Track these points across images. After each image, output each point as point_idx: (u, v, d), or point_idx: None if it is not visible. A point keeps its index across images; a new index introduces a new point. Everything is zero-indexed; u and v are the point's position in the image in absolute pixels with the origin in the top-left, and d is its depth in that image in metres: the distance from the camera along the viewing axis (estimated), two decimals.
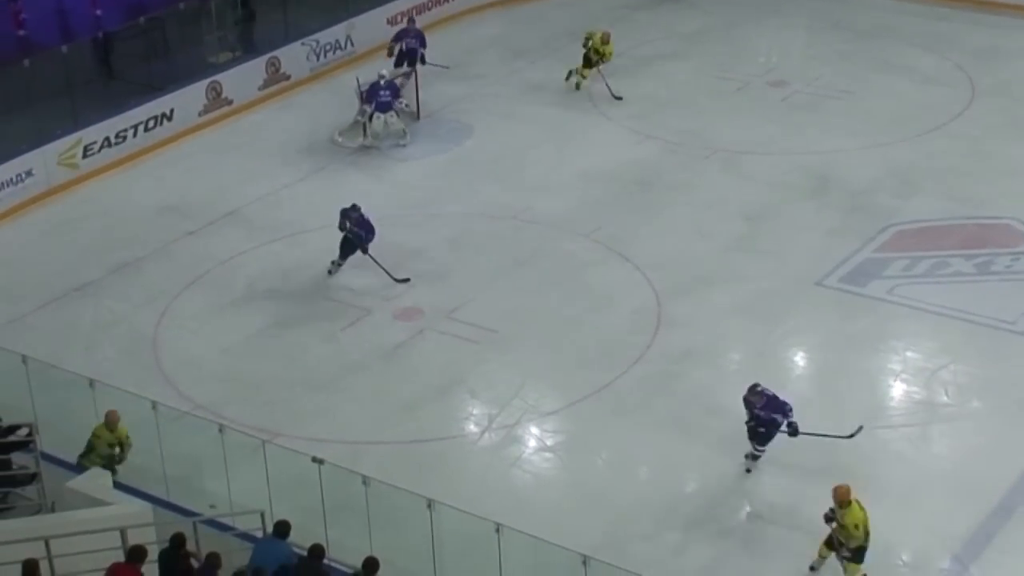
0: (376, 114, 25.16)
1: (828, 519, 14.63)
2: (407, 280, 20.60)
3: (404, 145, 25.37)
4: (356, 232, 20.56)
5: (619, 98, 26.55)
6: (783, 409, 16.38)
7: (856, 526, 14.38)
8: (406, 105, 25.87)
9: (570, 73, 26.89)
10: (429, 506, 14.31)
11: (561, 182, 23.83)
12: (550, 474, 17.16)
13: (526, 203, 23.10)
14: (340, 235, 20.73)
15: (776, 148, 24.77)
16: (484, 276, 21.07)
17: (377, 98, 25.09)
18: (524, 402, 18.16)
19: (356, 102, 25.51)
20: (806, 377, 19.27)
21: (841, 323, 19.70)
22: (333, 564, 14.08)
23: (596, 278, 20.97)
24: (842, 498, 14.47)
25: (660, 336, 19.42)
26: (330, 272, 20.93)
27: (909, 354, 19.07)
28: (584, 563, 13.62)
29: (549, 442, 17.62)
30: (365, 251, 20.55)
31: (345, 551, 14.46)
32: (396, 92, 25.49)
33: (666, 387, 18.42)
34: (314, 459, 15.04)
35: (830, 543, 14.75)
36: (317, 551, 13.59)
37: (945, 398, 18.09)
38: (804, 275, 20.77)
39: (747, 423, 16.57)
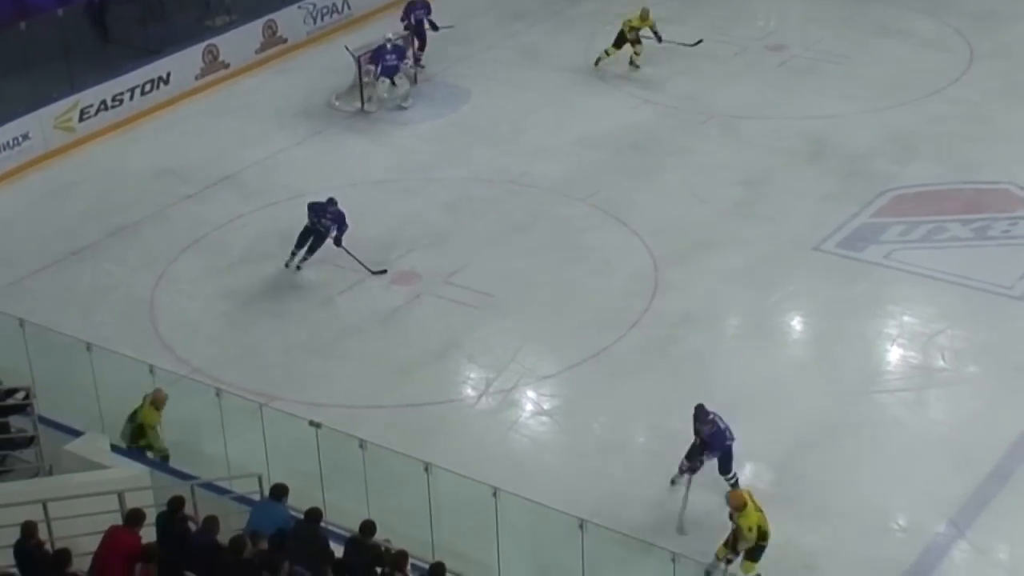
0: (382, 78, 25.09)
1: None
2: (383, 271, 20.17)
3: (406, 108, 25.32)
4: (327, 225, 19.98)
5: (699, 41, 26.45)
6: (722, 445, 15.56)
7: (750, 529, 14.14)
8: (410, 66, 25.80)
9: (631, 61, 26.31)
10: (426, 470, 14.35)
11: (559, 146, 23.78)
12: (547, 438, 17.19)
13: (524, 167, 23.07)
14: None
15: (774, 113, 24.73)
16: (481, 240, 21.05)
17: (383, 62, 25.03)
18: (521, 366, 18.17)
19: (353, 66, 25.40)
20: (803, 342, 19.30)
21: (838, 288, 19.70)
22: (330, 527, 14.07)
23: (594, 243, 20.96)
24: (736, 504, 14.18)
25: (657, 301, 19.42)
26: (298, 267, 20.15)
27: (906, 319, 19.08)
28: (581, 527, 13.68)
29: (546, 406, 17.64)
30: (338, 244, 20.03)
31: (342, 515, 14.47)
32: (402, 55, 25.41)
33: (663, 352, 18.43)
34: (311, 423, 15.08)
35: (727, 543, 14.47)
36: (314, 514, 13.59)
37: (942, 363, 18.11)
38: (802, 240, 20.76)
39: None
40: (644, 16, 25.99)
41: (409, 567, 12.85)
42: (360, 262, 20.05)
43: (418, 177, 23.07)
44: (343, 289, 19.87)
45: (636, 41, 26.09)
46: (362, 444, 14.79)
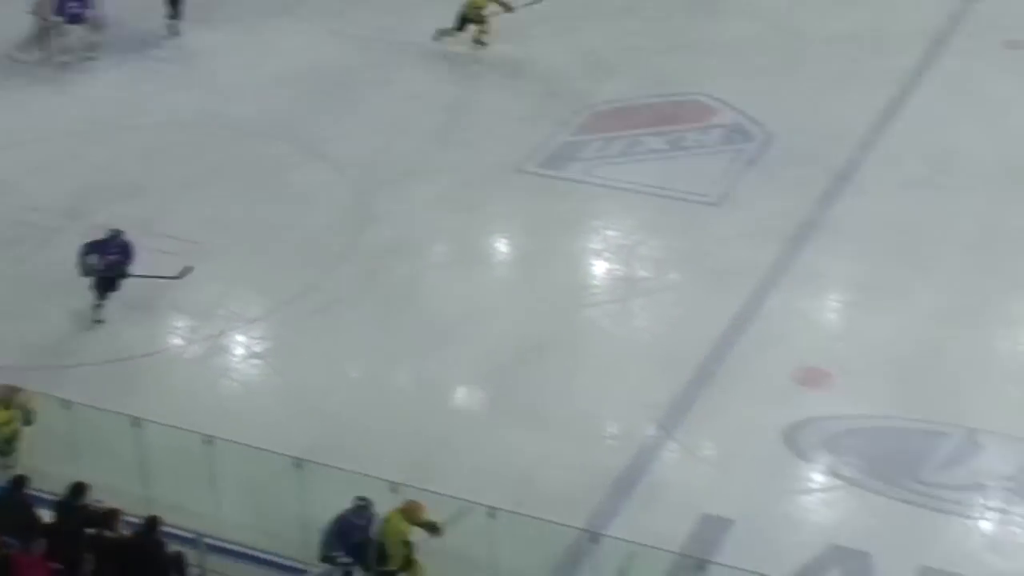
0: (67, 27, 24.19)
1: None
2: (191, 269, 18.03)
3: (93, 58, 24.45)
4: (113, 261, 17.66)
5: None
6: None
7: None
8: (99, 17, 24.80)
9: (475, 39, 24.30)
10: (134, 424, 14.01)
11: (255, 85, 23.40)
12: (260, 381, 16.98)
13: (219, 109, 22.62)
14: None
15: (464, 37, 24.61)
16: (180, 187, 20.54)
17: (67, 9, 24.18)
18: (228, 310, 17.89)
19: (31, 15, 24.41)
20: (510, 262, 19.56)
21: (542, 207, 19.99)
22: (41, 494, 13.66)
23: (295, 180, 20.71)
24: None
25: (363, 233, 19.36)
26: (99, 320, 17.83)
27: (609, 233, 19.49)
28: (298, 466, 13.59)
29: (257, 349, 17.41)
30: (128, 275, 17.84)
31: (50, 479, 14.01)
32: (85, 3, 24.47)
33: (373, 283, 18.39)
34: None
35: None
36: (20, 481, 13.20)
37: (644, 272, 18.57)
38: (504, 162, 20.96)
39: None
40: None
41: (121, 523, 12.58)
42: (157, 276, 17.99)
43: (111, 126, 22.39)
44: (37, 245, 19.08)
45: (480, 20, 24.26)
46: (65, 404, 14.33)
